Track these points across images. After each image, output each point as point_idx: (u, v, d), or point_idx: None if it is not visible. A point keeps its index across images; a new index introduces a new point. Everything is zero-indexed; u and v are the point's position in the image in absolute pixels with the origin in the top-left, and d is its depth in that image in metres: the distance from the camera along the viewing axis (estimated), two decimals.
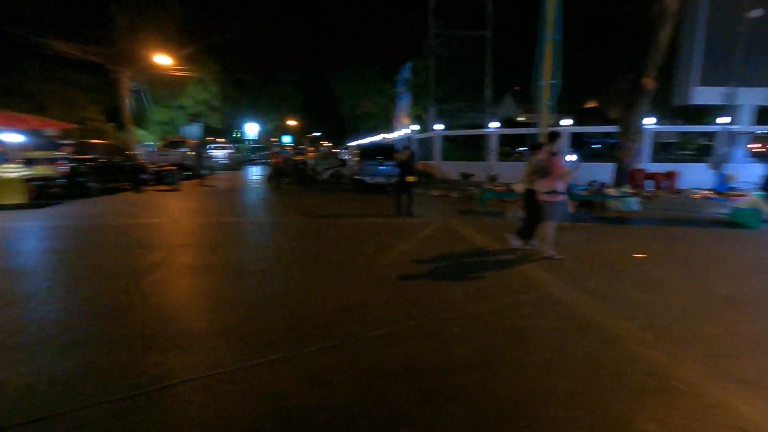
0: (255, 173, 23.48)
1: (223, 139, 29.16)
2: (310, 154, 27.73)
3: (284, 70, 45.79)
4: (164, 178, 14.21)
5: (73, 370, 2.76)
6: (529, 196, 5.86)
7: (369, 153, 14.85)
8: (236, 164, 25.65)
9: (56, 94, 21.79)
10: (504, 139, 21.21)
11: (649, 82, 11.00)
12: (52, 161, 11.23)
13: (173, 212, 10.06)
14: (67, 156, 11.62)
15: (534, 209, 5.77)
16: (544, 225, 5.67)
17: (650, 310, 3.95)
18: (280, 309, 3.88)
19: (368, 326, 3.50)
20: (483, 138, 20.10)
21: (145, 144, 23.03)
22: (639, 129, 11.73)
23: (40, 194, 10.60)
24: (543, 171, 5.59)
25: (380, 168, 13.71)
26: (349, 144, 32.60)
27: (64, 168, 11.21)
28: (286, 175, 16.49)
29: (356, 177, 14.11)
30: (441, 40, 25.87)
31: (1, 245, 6.49)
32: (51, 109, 20.57)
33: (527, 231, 6.02)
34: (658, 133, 17.48)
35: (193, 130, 27.31)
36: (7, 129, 11.42)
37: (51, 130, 12.54)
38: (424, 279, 4.87)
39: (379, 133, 36.76)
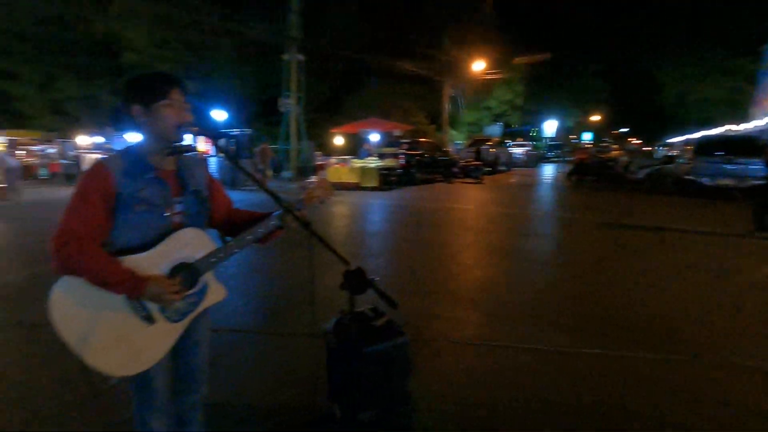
0: (551, 171, 22.89)
1: (520, 138, 29.84)
2: (615, 152, 24.55)
3: (589, 60, 41.56)
4: (470, 172, 15.87)
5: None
6: None
7: (709, 148, 11.73)
8: (533, 162, 25.76)
9: (395, 104, 27.96)
10: None
11: None
12: (395, 156, 14.51)
13: (478, 201, 11.10)
14: (404, 151, 14.74)
15: None
16: None
17: None
18: (588, 303, 3.66)
19: (710, 348, 2.82)
20: None
21: (455, 142, 26.34)
22: None
23: (385, 180, 13.90)
24: None
25: (727, 166, 10.64)
26: (669, 140, 26.80)
27: (402, 161, 14.27)
28: (590, 172, 15.23)
29: (687, 177, 11.48)
30: None
31: (365, 214, 8.94)
32: (392, 116, 26.61)
33: None
34: None
35: (495, 129, 29.17)
36: (370, 131, 15.56)
37: (398, 131, 16.26)
38: None
39: (721, 125, 28.43)
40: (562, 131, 41.06)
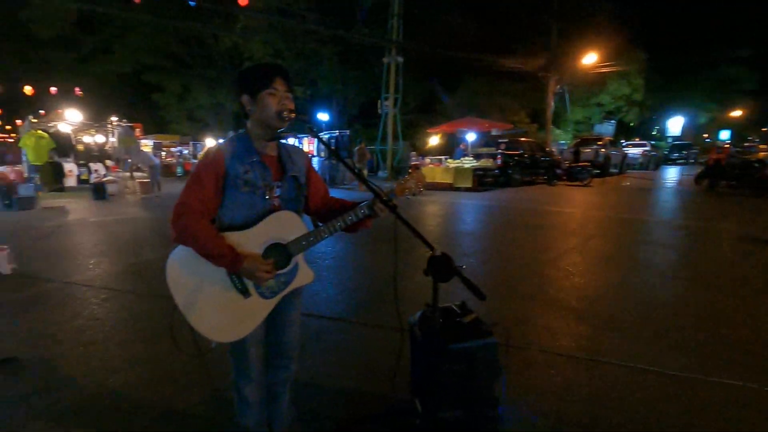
0: (675, 174, 20.02)
1: (637, 137, 26.61)
2: (763, 153, 20.60)
3: (729, 45, 34.80)
4: (576, 174, 14.62)
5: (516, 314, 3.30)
6: None
7: None
8: (652, 163, 22.87)
9: (494, 103, 26.90)
10: None
11: None
12: (492, 156, 13.98)
13: (583, 205, 10.16)
14: (501, 151, 14.12)
15: None
16: None
17: None
18: (723, 326, 3.07)
19: None
20: None
21: (559, 142, 24.53)
22: None
23: (480, 181, 13.46)
24: None
25: None
26: None
27: (499, 161, 13.69)
28: (727, 176, 12.98)
29: None
30: None
31: (457, 214, 8.75)
32: (490, 115, 25.67)
33: None
34: None
35: (606, 128, 26.47)
36: (467, 130, 15.20)
37: (496, 130, 15.66)
38: None
39: None
40: (691, 129, 35.60)
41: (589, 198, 11.35)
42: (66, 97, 24.80)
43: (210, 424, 2.04)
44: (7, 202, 9.67)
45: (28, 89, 22.49)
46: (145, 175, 13.14)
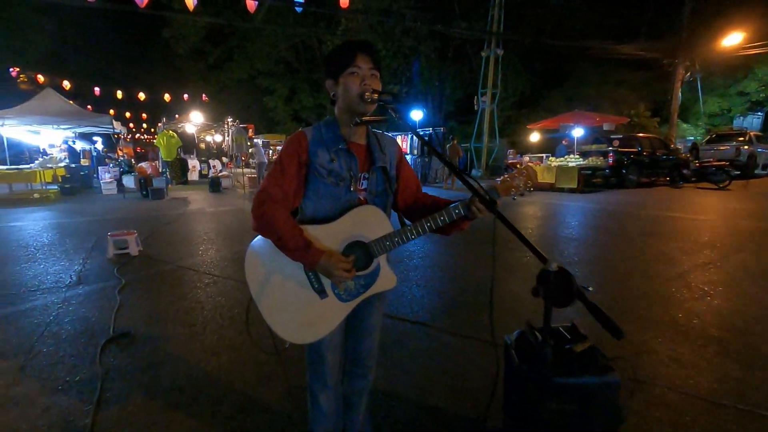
0: None
1: None
2: None
3: None
4: (709, 175, 12.46)
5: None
6: None
7: None
8: None
9: (608, 95, 24.20)
10: None
11: None
12: (602, 153, 12.56)
13: (720, 212, 8.54)
14: (614, 149, 12.61)
15: None
16: None
17: None
18: None
19: None
20: None
21: (687, 138, 21.25)
22: None
23: (587, 182, 12.16)
24: None
25: None
26: None
27: (611, 160, 12.24)
28: None
29: None
30: None
31: (561, 217, 7.94)
32: (603, 109, 23.15)
33: None
34: None
35: (752, 122, 22.23)
36: (573, 126, 13.86)
37: (608, 125, 14.04)
38: None
39: None
40: None
41: (727, 204, 9.54)
42: (195, 102, 28.35)
43: (287, 423, 1.99)
44: (144, 192, 11.25)
45: (166, 97, 26.19)
46: (254, 170, 14.36)
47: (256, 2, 11.70)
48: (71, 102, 12.76)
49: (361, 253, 1.34)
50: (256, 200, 1.29)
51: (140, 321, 3.14)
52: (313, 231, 1.31)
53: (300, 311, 1.34)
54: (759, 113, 23.38)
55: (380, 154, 1.42)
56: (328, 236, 1.32)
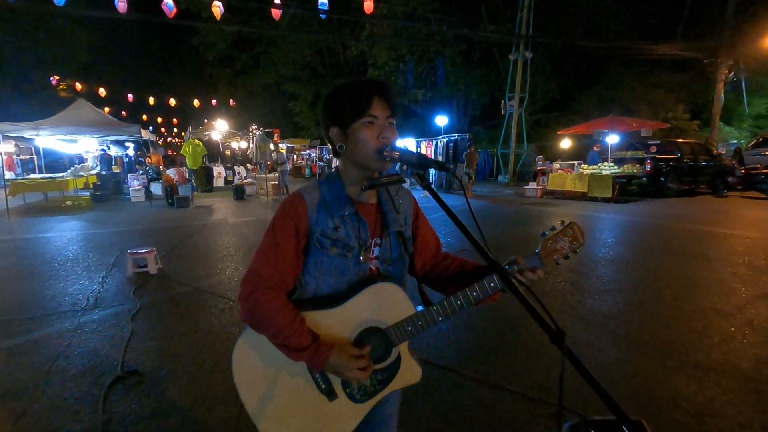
0: None
1: None
2: None
3: None
4: (757, 184, 11.61)
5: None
6: None
7: None
8: None
9: (644, 98, 23.12)
10: None
11: None
12: (638, 160, 11.90)
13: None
14: (652, 155, 11.92)
15: None
16: None
17: None
18: None
19: None
20: None
21: (731, 142, 20.03)
22: None
23: (622, 190, 11.54)
24: None
25: None
26: None
27: (648, 167, 11.58)
28: None
29: None
30: None
31: (594, 232, 7.47)
32: (638, 113, 22.11)
33: None
34: None
35: None
36: (607, 132, 13.21)
37: (645, 131, 13.32)
38: None
39: None
40: None
41: None
42: (223, 107, 28.87)
43: None
44: (170, 201, 11.37)
45: (195, 102, 26.82)
46: (276, 177, 14.40)
47: (281, 10, 11.69)
48: (106, 110, 13.10)
49: (377, 341, 1.09)
50: (245, 285, 1.04)
51: (150, 355, 2.99)
52: (316, 317, 1.06)
53: (304, 419, 1.09)
54: None
55: (394, 215, 1.17)
56: (337, 322, 1.08)
